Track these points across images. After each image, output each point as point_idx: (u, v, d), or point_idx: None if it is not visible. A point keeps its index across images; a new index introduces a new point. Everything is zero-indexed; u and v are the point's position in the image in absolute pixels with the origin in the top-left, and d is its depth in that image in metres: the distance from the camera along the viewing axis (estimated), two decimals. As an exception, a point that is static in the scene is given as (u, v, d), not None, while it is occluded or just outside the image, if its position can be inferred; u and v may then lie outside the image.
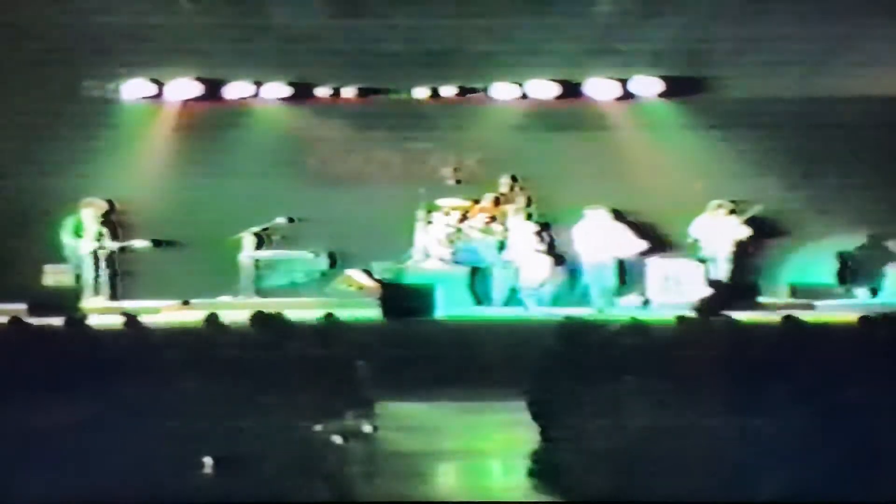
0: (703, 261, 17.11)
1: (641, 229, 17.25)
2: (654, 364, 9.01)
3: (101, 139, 17.68)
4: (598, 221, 17.09)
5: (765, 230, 17.48)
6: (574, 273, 17.16)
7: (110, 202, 17.35)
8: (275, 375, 8.95)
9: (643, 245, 17.05)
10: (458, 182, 17.78)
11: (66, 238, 17.00)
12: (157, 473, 7.26)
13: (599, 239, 17.01)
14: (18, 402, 7.72)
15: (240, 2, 17.38)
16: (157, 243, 17.32)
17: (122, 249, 17.28)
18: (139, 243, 17.26)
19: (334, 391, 9.46)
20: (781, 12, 16.89)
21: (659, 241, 17.36)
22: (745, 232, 17.20)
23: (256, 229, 17.42)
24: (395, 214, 17.35)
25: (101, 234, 17.17)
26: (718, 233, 17.17)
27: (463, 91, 17.96)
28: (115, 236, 17.26)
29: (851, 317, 11.23)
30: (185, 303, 16.56)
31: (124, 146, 17.78)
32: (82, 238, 17.05)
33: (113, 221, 17.29)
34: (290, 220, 17.49)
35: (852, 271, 17.34)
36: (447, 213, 17.45)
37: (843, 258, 17.41)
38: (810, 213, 17.52)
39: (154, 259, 17.42)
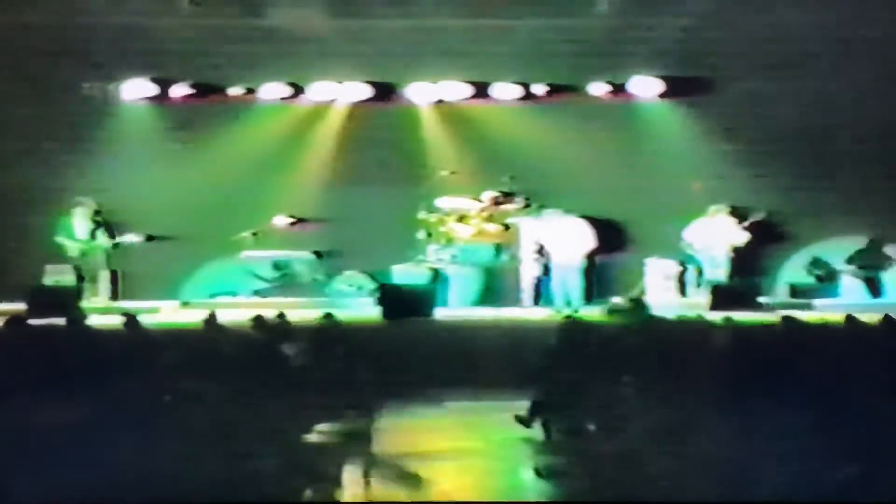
0: (699, 268, 17.15)
1: (606, 228, 17.30)
2: (654, 364, 9.02)
3: (101, 139, 17.69)
4: (553, 223, 17.14)
5: (764, 231, 17.47)
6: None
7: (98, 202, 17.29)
8: (274, 375, 8.96)
9: (593, 243, 17.06)
10: (457, 182, 17.74)
11: (61, 238, 16.99)
12: (158, 473, 7.26)
13: (557, 240, 17.06)
14: (18, 402, 7.72)
15: (240, 2, 17.41)
16: (149, 238, 17.29)
17: (116, 246, 17.23)
18: (131, 238, 17.21)
19: (333, 391, 9.47)
20: (782, 12, 16.94)
21: (623, 240, 17.43)
22: (744, 237, 17.17)
23: (256, 230, 17.42)
24: (395, 214, 17.35)
25: (94, 234, 17.15)
26: (717, 236, 17.15)
27: (463, 91, 17.96)
28: (109, 235, 17.21)
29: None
30: (185, 303, 16.57)
31: (124, 146, 17.78)
32: (75, 238, 17.03)
33: (106, 220, 17.23)
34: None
35: (826, 275, 17.40)
36: (446, 214, 17.46)
37: (816, 262, 17.48)
38: (810, 214, 17.50)
39: (154, 259, 17.42)
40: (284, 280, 17.23)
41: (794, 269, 17.53)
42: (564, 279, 17.05)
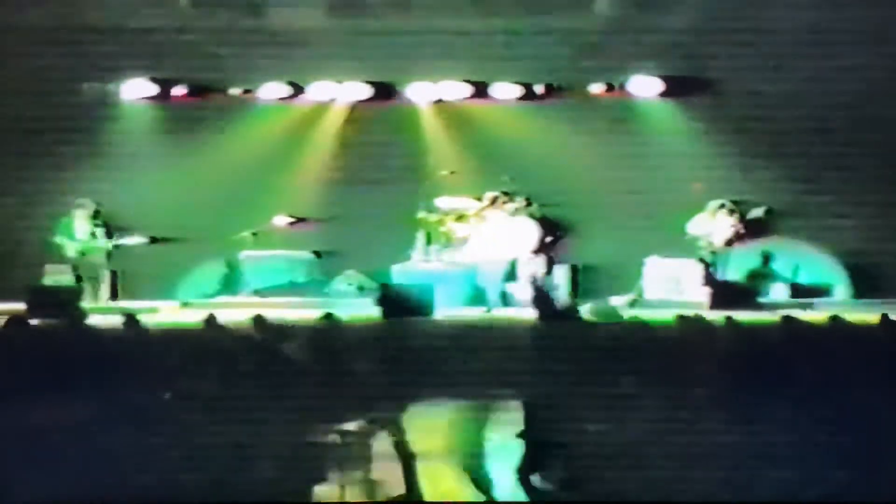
0: (703, 260, 17.12)
1: (549, 225, 17.27)
2: (653, 364, 9.02)
3: (101, 139, 17.69)
4: (496, 220, 17.09)
5: (764, 229, 17.48)
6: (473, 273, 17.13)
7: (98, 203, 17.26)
8: (274, 376, 8.97)
9: (535, 242, 17.00)
10: (457, 182, 17.74)
11: (61, 239, 16.97)
12: (158, 473, 7.27)
13: (496, 238, 17.02)
14: (18, 402, 7.72)
15: (240, 2, 17.42)
16: (153, 240, 17.27)
17: (117, 247, 17.19)
18: (134, 239, 17.18)
19: (333, 391, 9.47)
20: (782, 12, 16.96)
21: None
22: (740, 232, 17.17)
23: (256, 230, 17.43)
24: (395, 214, 17.35)
25: (94, 235, 17.12)
26: (716, 232, 17.17)
27: (463, 91, 17.97)
28: (109, 235, 17.18)
29: (854, 317, 11.25)
30: (185, 303, 16.57)
31: (124, 146, 17.78)
32: (75, 239, 17.01)
33: (105, 221, 17.19)
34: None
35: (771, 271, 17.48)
36: (445, 214, 17.46)
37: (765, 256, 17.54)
38: (810, 213, 17.50)
39: (153, 259, 17.42)
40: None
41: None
42: (496, 279, 16.94)
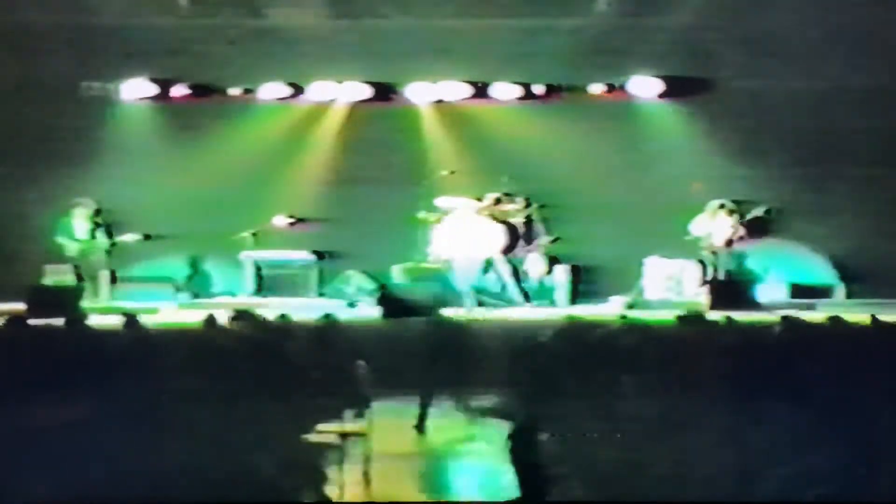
0: (702, 261, 17.14)
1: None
2: (654, 364, 9.02)
3: (101, 139, 17.70)
4: (464, 216, 17.08)
5: (765, 230, 17.49)
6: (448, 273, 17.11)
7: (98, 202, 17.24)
8: (274, 375, 8.97)
9: (504, 241, 16.99)
10: (457, 182, 17.74)
11: (61, 239, 16.96)
12: (157, 473, 7.27)
13: (465, 235, 17.00)
14: (18, 402, 7.72)
15: (240, 2, 17.44)
16: (146, 237, 17.21)
17: (114, 245, 17.13)
18: (129, 237, 17.12)
19: (333, 391, 9.48)
20: (781, 11, 16.97)
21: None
22: (739, 232, 17.18)
23: (256, 230, 17.42)
24: (395, 214, 17.35)
25: (94, 234, 17.10)
26: (716, 232, 17.18)
27: (463, 91, 17.98)
28: (109, 235, 17.16)
29: (854, 317, 11.26)
30: (184, 304, 16.56)
31: (124, 146, 17.79)
32: (75, 238, 17.00)
33: (105, 220, 17.17)
34: None
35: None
36: (446, 214, 17.46)
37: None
38: (811, 212, 17.51)
39: (153, 259, 17.43)
40: None
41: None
42: (468, 278, 16.92)
